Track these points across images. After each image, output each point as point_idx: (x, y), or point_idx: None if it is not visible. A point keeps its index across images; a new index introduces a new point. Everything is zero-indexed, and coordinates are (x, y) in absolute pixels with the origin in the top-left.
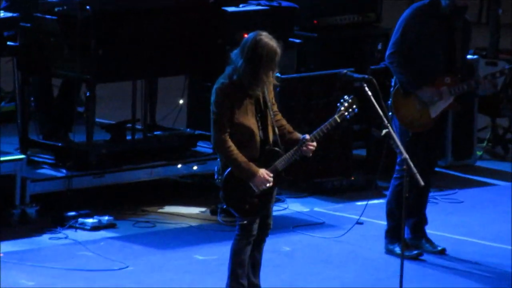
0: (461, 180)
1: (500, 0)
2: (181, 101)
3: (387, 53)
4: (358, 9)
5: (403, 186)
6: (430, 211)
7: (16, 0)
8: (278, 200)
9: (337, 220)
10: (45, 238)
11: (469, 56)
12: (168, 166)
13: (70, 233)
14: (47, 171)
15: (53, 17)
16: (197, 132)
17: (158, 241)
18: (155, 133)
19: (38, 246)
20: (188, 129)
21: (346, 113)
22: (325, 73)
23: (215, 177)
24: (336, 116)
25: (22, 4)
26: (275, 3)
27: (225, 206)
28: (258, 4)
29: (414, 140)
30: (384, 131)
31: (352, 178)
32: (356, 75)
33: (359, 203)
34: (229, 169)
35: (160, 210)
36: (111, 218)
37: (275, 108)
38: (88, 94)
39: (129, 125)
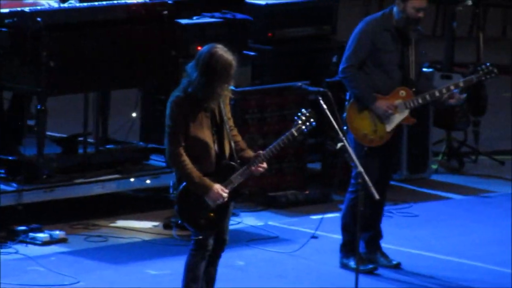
0: (416, 193)
1: (455, 13)
2: (134, 114)
3: (341, 67)
4: (313, 21)
5: (358, 200)
6: (385, 225)
7: None
8: (232, 214)
9: (291, 234)
10: None
11: (423, 69)
12: (120, 180)
13: (21, 248)
14: None
15: (3, 29)
16: (150, 145)
17: (110, 255)
18: (107, 146)
19: None
20: (141, 143)
21: (304, 127)
22: (280, 86)
23: (171, 191)
24: (293, 130)
25: None
26: (229, 16)
27: (180, 221)
28: (212, 17)
29: (369, 154)
30: (339, 145)
31: (307, 192)
32: (311, 88)
33: (314, 217)
34: (185, 183)
35: (112, 225)
36: (62, 232)
37: (231, 122)
38: (39, 107)
39: (81, 138)
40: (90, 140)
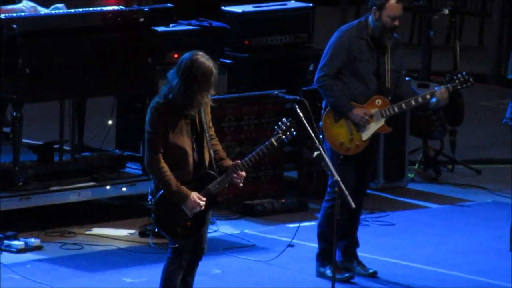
0: (393, 202)
1: (432, 21)
2: (110, 122)
3: (316, 76)
4: (290, 30)
5: (335, 208)
6: (362, 234)
7: None
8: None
9: (268, 242)
10: None
11: None
12: (96, 188)
13: None
14: None
15: None
16: (126, 153)
17: (86, 263)
18: (83, 154)
19: None
20: (117, 150)
21: (284, 136)
22: (257, 94)
23: (149, 198)
24: (273, 139)
25: None
26: (205, 23)
27: (156, 229)
28: (189, 24)
29: (346, 163)
30: (315, 153)
31: (283, 200)
32: (287, 96)
33: (290, 225)
34: (162, 191)
35: (88, 232)
36: (38, 240)
37: (212, 131)
38: (15, 114)
39: (56, 145)
40: (66, 147)
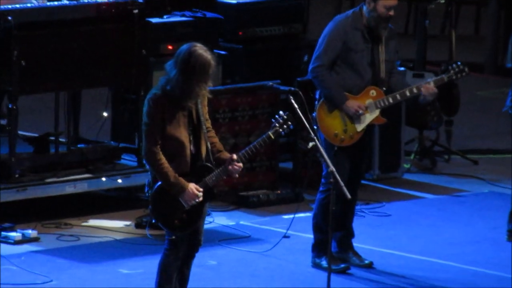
0: (388, 193)
1: (427, 11)
2: (105, 114)
3: (311, 67)
4: (284, 20)
5: (330, 199)
6: (357, 224)
7: None
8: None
9: (263, 233)
10: None
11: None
12: (92, 179)
13: None
14: None
15: None
16: (121, 145)
17: (82, 255)
18: (79, 145)
19: None
20: (112, 142)
21: (281, 130)
22: (251, 85)
23: (146, 190)
24: (270, 133)
25: None
26: (199, 14)
27: (153, 220)
28: (183, 15)
29: (340, 153)
30: (310, 144)
31: (279, 191)
32: (282, 87)
33: (285, 216)
34: (159, 183)
35: (84, 224)
36: (34, 231)
37: (209, 124)
38: (10, 106)
39: (52, 137)
40: (61, 139)
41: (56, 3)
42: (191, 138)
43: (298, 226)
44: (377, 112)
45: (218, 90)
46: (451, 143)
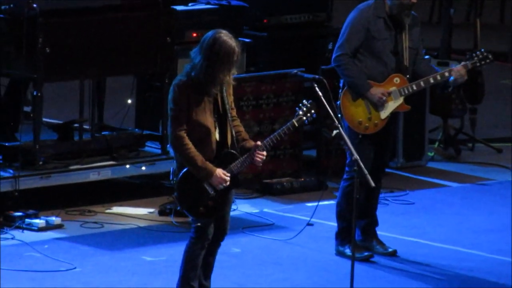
0: (412, 181)
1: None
2: (129, 101)
3: (334, 55)
4: (309, 8)
5: (354, 187)
6: (381, 213)
7: None
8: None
9: (287, 221)
10: None
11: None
12: (116, 167)
13: (17, 233)
14: None
15: (0, 16)
16: (145, 132)
17: (105, 242)
18: (103, 133)
19: None
20: (137, 129)
21: (305, 118)
22: (275, 73)
23: (170, 178)
24: (294, 121)
25: None
26: (224, 2)
27: (175, 205)
28: (208, 3)
29: (364, 141)
30: (334, 132)
31: (302, 179)
32: (306, 75)
33: (309, 204)
34: (184, 170)
35: (108, 211)
36: (58, 218)
37: (234, 112)
38: (35, 93)
39: (76, 125)
40: (85, 126)
41: None
42: (216, 125)
43: (321, 214)
44: (401, 100)
45: (242, 78)
46: (475, 132)
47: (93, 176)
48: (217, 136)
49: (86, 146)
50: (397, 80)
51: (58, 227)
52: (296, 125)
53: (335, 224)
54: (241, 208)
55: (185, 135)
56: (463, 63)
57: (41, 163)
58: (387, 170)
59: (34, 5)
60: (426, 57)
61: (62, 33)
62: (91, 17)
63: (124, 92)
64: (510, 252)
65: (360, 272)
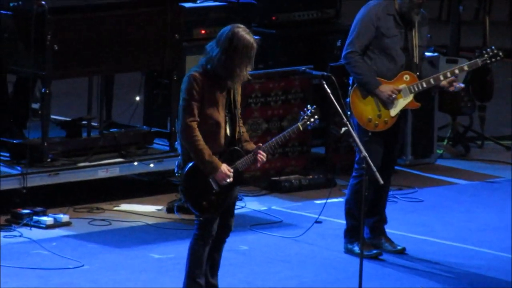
0: (421, 178)
1: None
2: (137, 98)
3: (344, 53)
4: (317, 5)
5: (362, 185)
6: (390, 210)
7: None
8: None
9: (295, 218)
10: None
11: (429, 54)
12: (124, 164)
13: (25, 231)
14: (1, 168)
15: (8, 12)
16: (153, 129)
17: (113, 239)
18: (111, 130)
19: None
20: (145, 126)
21: (309, 122)
22: (284, 70)
23: (175, 171)
24: (299, 124)
25: None
26: None
27: (182, 201)
28: (216, 0)
29: (373, 139)
30: (343, 129)
31: (311, 176)
32: (315, 72)
33: (317, 201)
34: (190, 164)
35: (116, 208)
36: (66, 216)
37: (239, 113)
38: (43, 91)
39: (84, 122)
40: (94, 123)
41: None
42: (227, 120)
43: (330, 211)
44: (410, 97)
45: (250, 75)
46: (484, 129)
47: (101, 173)
48: (227, 131)
49: (94, 143)
50: (407, 77)
51: (66, 224)
52: (301, 128)
53: (344, 222)
54: (249, 205)
55: (196, 126)
56: (473, 60)
57: (49, 160)
58: (396, 167)
59: (43, 2)
60: (436, 54)
61: (70, 30)
62: (99, 14)
63: (132, 89)
64: None
65: (368, 270)
